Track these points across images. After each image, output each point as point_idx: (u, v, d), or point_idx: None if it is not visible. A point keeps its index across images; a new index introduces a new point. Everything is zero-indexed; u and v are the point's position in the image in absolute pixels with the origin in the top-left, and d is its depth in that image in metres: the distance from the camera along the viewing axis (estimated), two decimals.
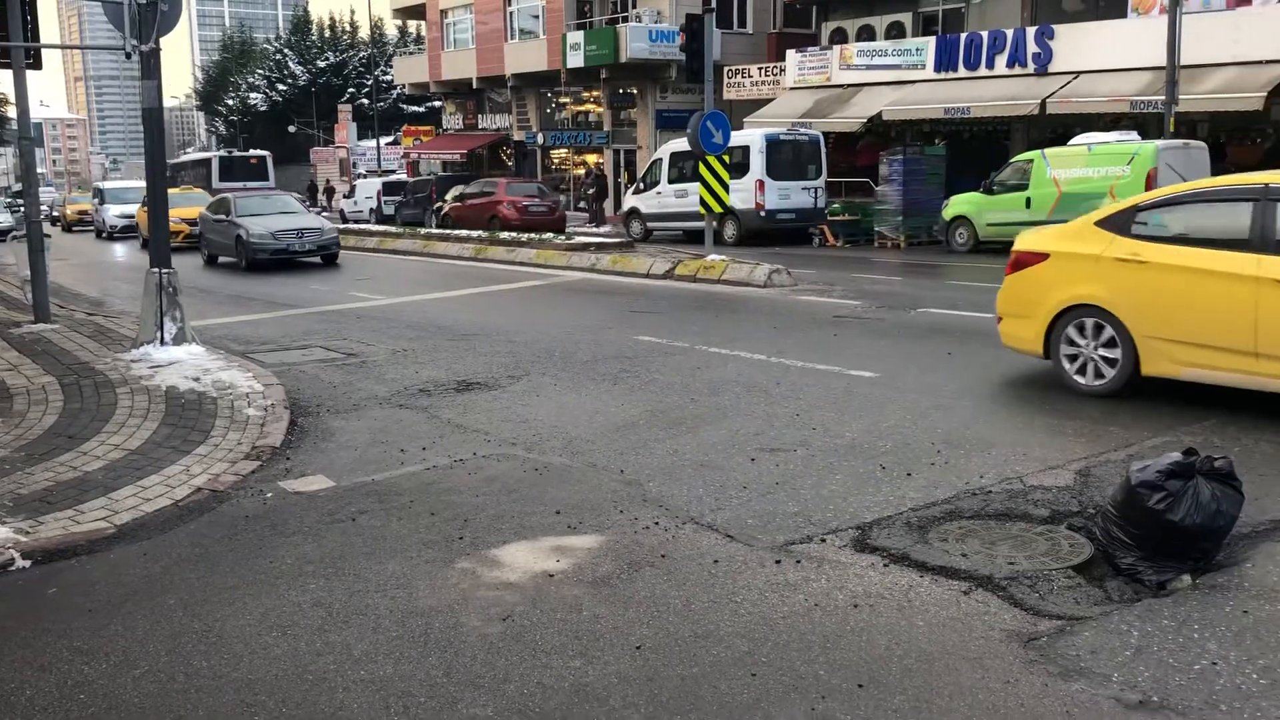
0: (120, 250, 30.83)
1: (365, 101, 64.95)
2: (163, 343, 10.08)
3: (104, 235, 35.29)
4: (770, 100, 31.45)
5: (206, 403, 8.24)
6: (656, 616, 4.39)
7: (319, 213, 35.19)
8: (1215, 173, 19.38)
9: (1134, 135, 19.28)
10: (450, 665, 4.03)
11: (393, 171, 51.38)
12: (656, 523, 5.52)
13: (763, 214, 24.01)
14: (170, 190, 26.95)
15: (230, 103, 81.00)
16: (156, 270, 10.22)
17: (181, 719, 3.73)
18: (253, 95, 77.41)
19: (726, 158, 17.96)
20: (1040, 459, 6.36)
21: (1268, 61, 21.49)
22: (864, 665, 3.92)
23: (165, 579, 5.03)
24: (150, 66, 10.26)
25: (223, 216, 22.40)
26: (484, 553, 5.20)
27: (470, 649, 4.16)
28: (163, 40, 10.32)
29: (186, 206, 27.96)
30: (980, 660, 3.93)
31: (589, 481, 6.30)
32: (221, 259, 22.90)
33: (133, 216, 32.81)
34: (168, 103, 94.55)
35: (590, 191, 34.91)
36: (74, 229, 41.85)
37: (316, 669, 4.04)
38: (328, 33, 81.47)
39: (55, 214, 47.47)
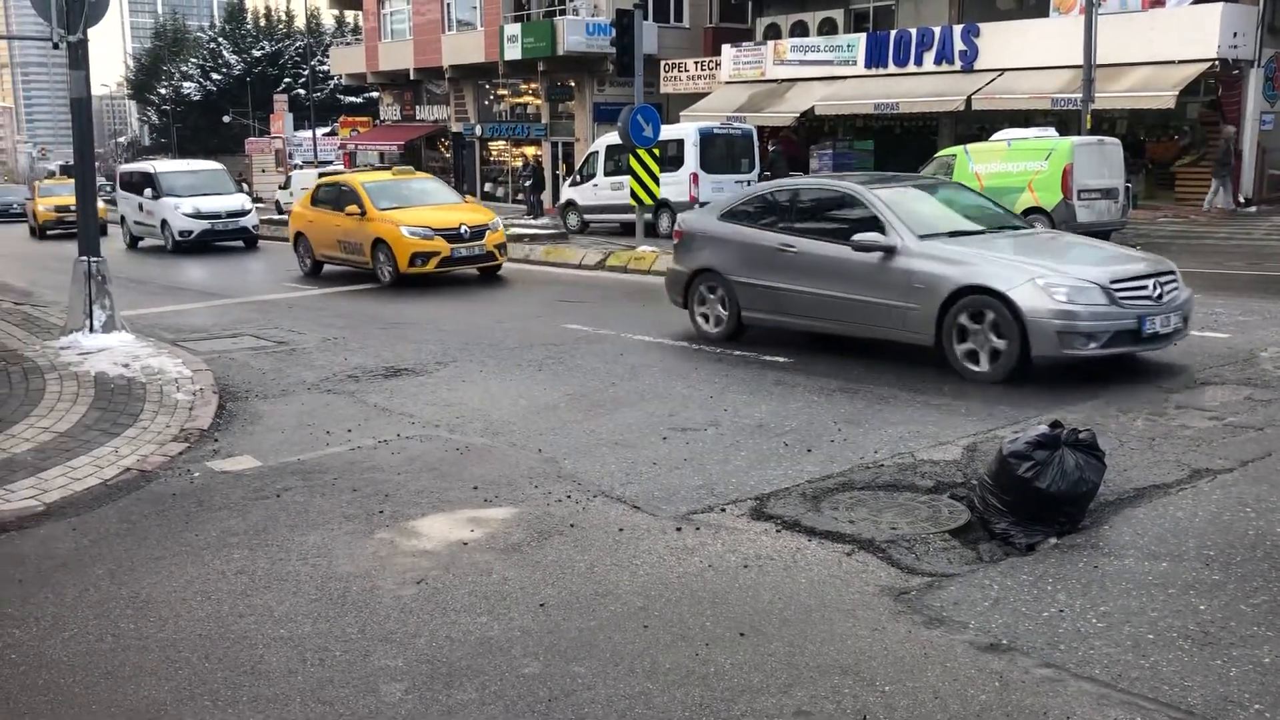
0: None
1: (301, 92, 64.31)
2: (92, 330, 10.17)
3: (167, 248, 23.38)
4: (707, 94, 31.86)
5: (136, 388, 8.39)
6: (561, 578, 4.71)
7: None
8: (1130, 169, 20.18)
9: (1051, 131, 19.92)
10: (365, 623, 4.31)
11: (329, 162, 51.00)
12: (569, 496, 5.84)
13: (696, 206, 24.38)
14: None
15: (163, 92, 79.74)
16: (85, 259, 10.31)
17: (109, 674, 3.98)
18: (186, 84, 76.28)
19: (657, 151, 18.26)
20: (932, 436, 6.77)
21: (1180, 61, 22.30)
22: (747, 617, 4.27)
23: (93, 551, 5.24)
24: (78, 57, 10.33)
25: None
26: (403, 524, 5.48)
27: (385, 609, 4.44)
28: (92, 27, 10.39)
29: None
30: (853, 611, 4.30)
31: (507, 460, 6.60)
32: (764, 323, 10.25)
33: (223, 216, 23.07)
34: (98, 91, 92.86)
35: (527, 184, 35.07)
36: (50, 233, 30.19)
37: (238, 629, 4.30)
38: (263, 22, 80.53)
39: (17, 210, 38.68)
